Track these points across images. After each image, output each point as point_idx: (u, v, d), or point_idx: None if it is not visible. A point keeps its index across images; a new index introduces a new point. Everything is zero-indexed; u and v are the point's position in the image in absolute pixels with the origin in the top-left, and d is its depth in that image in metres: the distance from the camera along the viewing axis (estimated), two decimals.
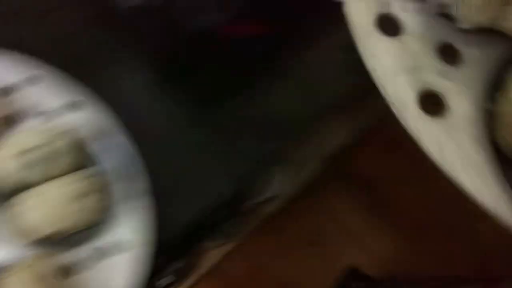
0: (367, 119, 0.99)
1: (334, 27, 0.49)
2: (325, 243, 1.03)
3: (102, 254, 0.38)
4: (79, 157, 0.38)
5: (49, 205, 0.36)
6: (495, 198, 0.31)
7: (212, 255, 0.83)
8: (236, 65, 0.45)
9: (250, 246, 0.99)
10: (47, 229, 0.36)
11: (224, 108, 0.44)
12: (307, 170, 1.03)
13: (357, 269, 0.72)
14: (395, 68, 0.32)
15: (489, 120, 0.33)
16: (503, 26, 0.32)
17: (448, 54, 0.33)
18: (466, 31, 0.33)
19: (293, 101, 0.46)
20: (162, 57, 0.45)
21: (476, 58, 0.33)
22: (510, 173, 0.32)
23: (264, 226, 1.00)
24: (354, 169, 1.06)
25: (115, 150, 0.39)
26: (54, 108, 0.39)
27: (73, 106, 0.40)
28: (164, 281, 0.44)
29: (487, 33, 0.33)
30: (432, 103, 0.32)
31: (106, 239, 0.38)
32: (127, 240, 0.38)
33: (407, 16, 0.33)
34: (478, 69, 0.33)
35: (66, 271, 0.37)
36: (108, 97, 0.41)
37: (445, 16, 0.33)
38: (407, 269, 0.72)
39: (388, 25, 0.33)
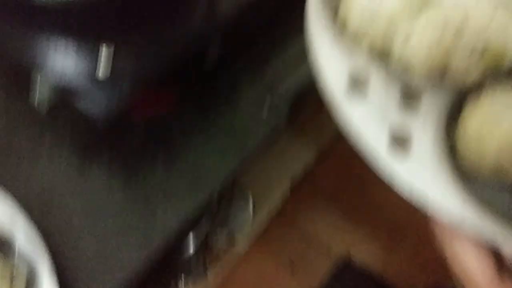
0: (324, 138, 1.02)
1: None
2: (306, 264, 1.05)
3: None
4: None
5: None
6: (461, 214, 0.34)
7: None
8: (151, 139, 0.48)
9: (236, 276, 1.00)
10: None
11: (146, 180, 0.47)
12: (278, 194, 1.06)
13: (350, 261, 0.74)
14: (367, 122, 0.36)
15: (452, 145, 0.37)
16: (449, 71, 0.37)
17: (410, 98, 0.37)
18: (421, 77, 0.37)
19: (216, 153, 0.49)
20: (77, 144, 0.48)
21: (434, 98, 0.37)
22: (473, 186, 0.36)
23: (248, 254, 1.02)
24: (319, 185, 1.09)
25: (26, 236, 0.41)
26: None
27: None
28: None
29: (439, 76, 0.37)
30: (400, 143, 0.36)
31: None
32: None
33: (373, 74, 0.38)
34: (436, 107, 0.37)
35: None
36: (21, 184, 0.44)
37: (403, 67, 0.37)
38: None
39: (357, 83, 0.37)
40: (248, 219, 0.94)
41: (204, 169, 0.47)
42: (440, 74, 0.37)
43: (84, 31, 0.43)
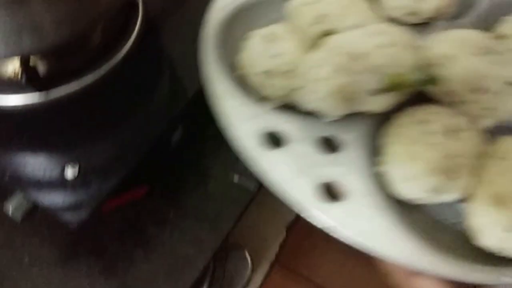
0: None
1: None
2: None
3: None
4: None
5: None
6: (408, 254, 0.32)
7: None
8: (126, 229, 0.49)
9: None
10: None
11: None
12: (275, 243, 1.05)
13: None
14: (290, 174, 0.35)
15: (381, 180, 0.36)
16: (360, 110, 0.37)
17: (330, 144, 0.37)
18: (335, 121, 0.37)
19: (192, 238, 0.49)
20: (56, 243, 0.48)
21: (350, 138, 0.37)
22: (410, 216, 0.35)
23: None
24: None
25: None
26: None
27: None
28: None
29: (352, 115, 0.37)
30: (331, 191, 0.35)
31: None
32: None
33: (285, 126, 0.37)
34: (356, 147, 0.37)
35: None
36: None
37: (315, 114, 0.37)
38: None
39: (273, 139, 0.36)
40: (248, 273, 0.93)
41: (181, 257, 0.47)
42: (348, 106, 0.36)
43: (49, 145, 0.45)
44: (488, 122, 0.37)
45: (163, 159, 0.51)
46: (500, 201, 0.33)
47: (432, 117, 0.36)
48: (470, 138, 0.35)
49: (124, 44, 0.49)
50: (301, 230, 1.06)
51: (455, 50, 0.37)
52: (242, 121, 0.37)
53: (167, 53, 0.53)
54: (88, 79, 0.46)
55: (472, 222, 0.35)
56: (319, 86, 0.35)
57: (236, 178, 0.52)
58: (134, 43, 0.50)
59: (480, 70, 0.36)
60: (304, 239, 1.08)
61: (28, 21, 0.38)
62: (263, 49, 0.39)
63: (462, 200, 0.36)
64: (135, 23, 0.51)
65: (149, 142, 0.46)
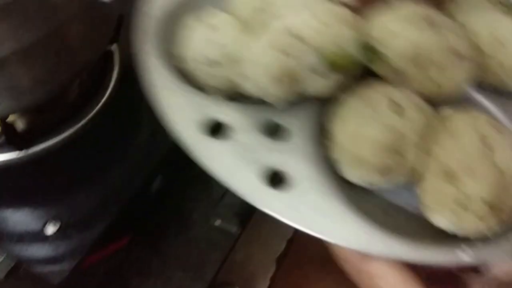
0: None
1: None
2: None
3: None
4: None
5: None
6: (358, 238, 0.32)
7: None
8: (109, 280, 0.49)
9: None
10: None
11: None
12: (266, 276, 1.04)
13: None
14: (234, 164, 0.33)
15: (331, 165, 0.35)
16: (306, 93, 0.36)
17: (275, 132, 0.36)
18: (280, 107, 0.36)
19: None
20: None
21: (297, 125, 0.36)
22: (363, 201, 0.34)
23: None
24: (305, 255, 1.07)
25: None
26: None
27: None
28: None
29: (298, 102, 0.36)
30: (278, 179, 0.33)
31: None
32: None
33: (230, 116, 0.36)
34: (303, 133, 0.36)
35: None
36: None
37: (260, 102, 0.36)
38: None
39: (216, 129, 0.35)
40: None
41: None
42: (292, 90, 0.35)
43: (29, 201, 0.45)
44: (436, 96, 0.36)
45: (144, 208, 0.51)
46: (451, 177, 0.33)
47: (378, 96, 0.35)
48: (418, 115, 0.34)
49: (102, 95, 0.50)
50: (291, 261, 1.06)
51: (397, 26, 0.36)
52: (184, 112, 0.35)
53: (145, 101, 0.54)
54: (67, 133, 0.47)
55: (425, 200, 0.34)
56: (262, 70, 0.34)
57: (217, 222, 0.52)
58: (111, 93, 0.51)
59: (423, 43, 0.35)
60: (295, 270, 1.07)
61: (5, 83, 0.39)
62: (206, 38, 0.37)
63: (414, 180, 0.35)
64: (112, 73, 0.52)
65: (129, 193, 0.46)
